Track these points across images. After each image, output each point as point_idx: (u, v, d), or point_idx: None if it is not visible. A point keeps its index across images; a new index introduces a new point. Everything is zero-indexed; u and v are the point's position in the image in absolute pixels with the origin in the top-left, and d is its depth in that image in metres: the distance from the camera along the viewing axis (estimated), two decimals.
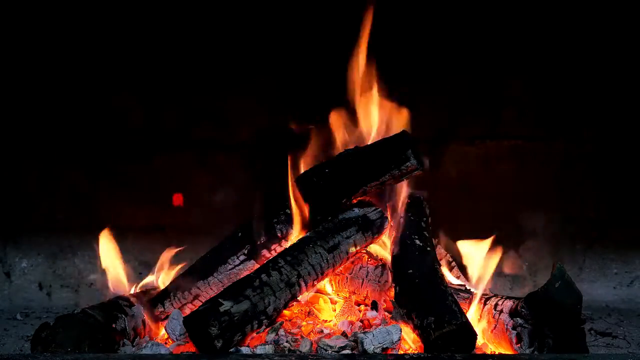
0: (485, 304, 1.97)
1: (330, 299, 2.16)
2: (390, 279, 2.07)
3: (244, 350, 1.78)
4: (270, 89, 2.82)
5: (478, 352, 1.85)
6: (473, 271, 2.16)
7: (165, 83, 2.85)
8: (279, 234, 2.14)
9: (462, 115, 2.89)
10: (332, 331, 1.94)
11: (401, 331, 1.80)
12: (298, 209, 2.16)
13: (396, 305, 1.91)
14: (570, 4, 2.76)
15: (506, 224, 2.19)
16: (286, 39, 2.79)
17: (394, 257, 2.07)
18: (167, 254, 2.29)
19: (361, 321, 2.00)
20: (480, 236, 2.20)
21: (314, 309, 2.09)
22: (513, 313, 1.84)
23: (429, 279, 1.91)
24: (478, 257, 2.16)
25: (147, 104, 2.88)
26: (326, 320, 2.06)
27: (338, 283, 2.20)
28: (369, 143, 2.25)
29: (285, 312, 1.99)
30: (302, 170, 2.26)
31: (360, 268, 2.15)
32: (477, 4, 2.78)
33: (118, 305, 1.99)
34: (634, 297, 2.93)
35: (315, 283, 2.01)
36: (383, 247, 2.24)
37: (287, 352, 1.80)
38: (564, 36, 2.81)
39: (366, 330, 1.89)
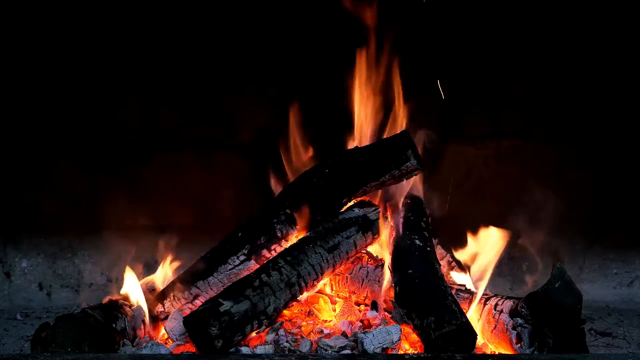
0: (485, 304, 1.97)
1: (330, 298, 2.16)
2: (390, 279, 2.07)
3: (244, 350, 1.78)
4: (271, 89, 2.82)
5: (478, 352, 1.86)
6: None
7: (165, 83, 2.84)
8: (279, 234, 2.14)
9: (462, 115, 2.89)
10: (332, 331, 1.94)
11: (401, 331, 1.80)
12: (298, 209, 2.15)
13: (396, 305, 1.91)
14: (573, 8, 2.77)
15: (506, 224, 2.19)
16: (286, 39, 2.79)
17: (394, 257, 2.07)
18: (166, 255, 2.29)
19: (361, 321, 2.00)
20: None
21: (314, 309, 2.09)
22: (513, 313, 1.84)
23: (429, 279, 1.91)
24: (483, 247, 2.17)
25: (146, 104, 2.87)
26: (326, 320, 2.06)
27: (338, 283, 2.20)
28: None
29: (285, 312, 2.00)
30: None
31: (360, 268, 2.15)
32: (478, 4, 2.78)
33: (118, 305, 1.99)
34: (634, 297, 2.93)
35: (315, 283, 2.01)
36: (383, 247, 2.24)
37: (287, 352, 1.80)
38: (566, 37, 2.81)
39: (366, 330, 1.89)
